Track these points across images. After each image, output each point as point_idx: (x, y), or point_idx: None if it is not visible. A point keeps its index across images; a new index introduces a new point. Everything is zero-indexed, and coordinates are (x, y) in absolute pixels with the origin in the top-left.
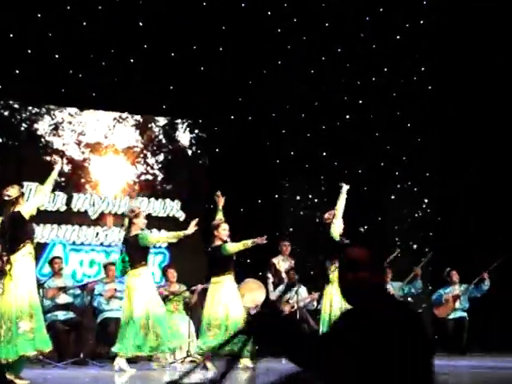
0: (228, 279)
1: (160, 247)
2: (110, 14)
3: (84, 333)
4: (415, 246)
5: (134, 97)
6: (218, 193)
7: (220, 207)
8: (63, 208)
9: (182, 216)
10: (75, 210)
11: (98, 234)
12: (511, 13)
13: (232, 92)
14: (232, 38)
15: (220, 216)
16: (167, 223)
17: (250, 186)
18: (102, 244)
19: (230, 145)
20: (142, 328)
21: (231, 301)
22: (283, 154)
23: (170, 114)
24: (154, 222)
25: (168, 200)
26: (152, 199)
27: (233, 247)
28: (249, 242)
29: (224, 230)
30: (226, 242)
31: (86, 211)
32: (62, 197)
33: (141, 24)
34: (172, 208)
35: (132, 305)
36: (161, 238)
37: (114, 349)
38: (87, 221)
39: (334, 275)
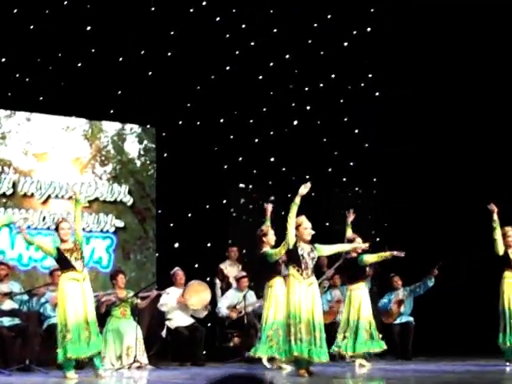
0: (280, 281)
1: (107, 231)
2: (58, 17)
3: (30, 339)
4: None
5: (82, 101)
6: (266, 205)
7: (268, 216)
8: (9, 191)
9: (129, 200)
10: (21, 193)
11: (44, 217)
12: (458, 21)
13: (180, 97)
14: (180, 43)
15: (268, 224)
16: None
17: (198, 192)
18: (48, 228)
19: (178, 150)
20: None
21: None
22: (231, 159)
23: (118, 120)
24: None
25: (115, 185)
26: (99, 182)
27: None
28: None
29: (272, 236)
30: (273, 246)
31: (32, 194)
32: (8, 180)
33: (89, 28)
34: (120, 192)
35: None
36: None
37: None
38: (34, 205)
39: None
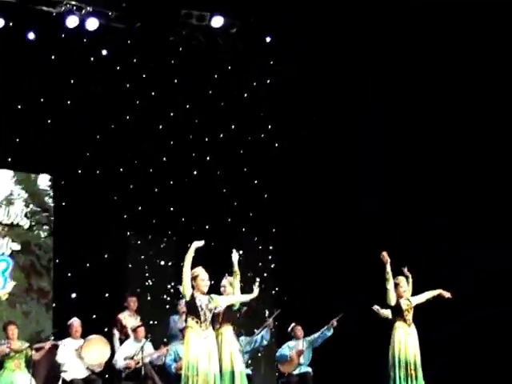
0: None
1: (3, 254)
2: None
3: None
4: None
5: None
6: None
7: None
8: None
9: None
10: None
11: None
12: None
13: (79, 146)
14: (80, 91)
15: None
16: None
17: (97, 241)
18: None
19: (77, 199)
20: None
21: None
22: (131, 208)
23: (14, 168)
24: None
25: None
26: None
27: None
28: None
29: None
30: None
31: None
32: None
33: None
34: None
35: None
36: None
37: None
38: None
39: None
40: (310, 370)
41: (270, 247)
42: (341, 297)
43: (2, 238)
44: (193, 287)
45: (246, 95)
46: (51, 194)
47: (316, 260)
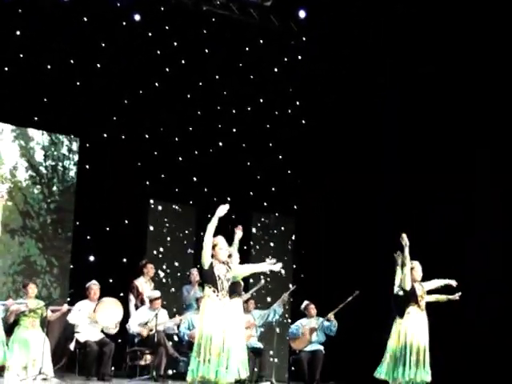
0: None
1: None
2: None
3: None
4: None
5: (8, 108)
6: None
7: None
8: None
9: None
10: None
11: None
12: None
13: (106, 110)
14: (111, 55)
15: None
16: None
17: (118, 206)
18: None
19: (101, 163)
20: None
21: None
22: (153, 176)
23: (43, 128)
24: None
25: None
26: None
27: None
28: None
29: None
30: None
31: None
32: None
33: (18, 33)
34: None
35: None
36: None
37: None
38: None
39: None
40: (321, 347)
41: (290, 223)
42: (357, 277)
43: None
44: (212, 256)
45: (276, 70)
46: (75, 156)
47: (335, 239)
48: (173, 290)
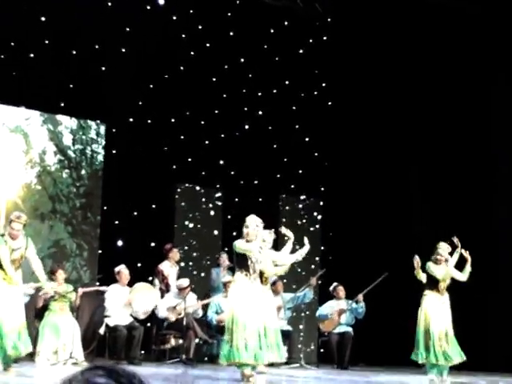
0: None
1: None
2: (13, 7)
3: None
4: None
5: (38, 94)
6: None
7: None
8: None
9: None
10: None
11: None
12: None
13: (132, 95)
14: (135, 40)
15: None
16: None
17: (145, 191)
18: None
19: (127, 147)
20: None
21: None
22: (180, 160)
23: (70, 114)
24: None
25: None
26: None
27: None
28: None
29: None
30: None
31: None
32: None
33: (43, 19)
34: None
35: None
36: None
37: None
38: None
39: None
40: (350, 329)
41: (318, 205)
42: (386, 258)
43: None
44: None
45: (301, 51)
46: (104, 140)
47: (362, 221)
48: (200, 273)
